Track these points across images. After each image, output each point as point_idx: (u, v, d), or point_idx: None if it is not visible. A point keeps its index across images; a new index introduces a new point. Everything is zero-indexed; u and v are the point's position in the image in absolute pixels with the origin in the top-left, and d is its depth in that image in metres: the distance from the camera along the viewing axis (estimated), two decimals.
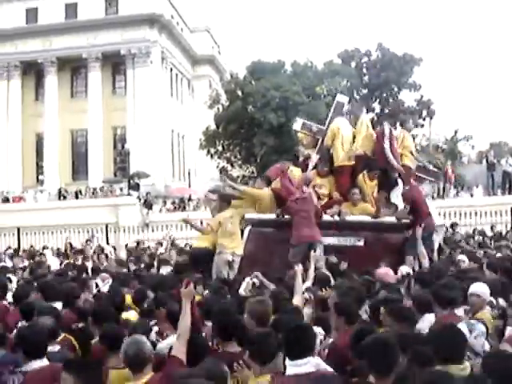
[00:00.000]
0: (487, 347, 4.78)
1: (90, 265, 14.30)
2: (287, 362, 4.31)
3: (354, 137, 11.61)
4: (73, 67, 51.11)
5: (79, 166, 50.11)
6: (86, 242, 25.05)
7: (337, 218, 10.73)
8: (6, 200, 42.54)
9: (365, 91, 47.28)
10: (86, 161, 48.95)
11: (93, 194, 41.51)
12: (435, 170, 13.44)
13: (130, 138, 46.90)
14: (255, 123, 40.35)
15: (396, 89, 47.25)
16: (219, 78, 60.37)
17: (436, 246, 11.18)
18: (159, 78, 49.13)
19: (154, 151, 46.58)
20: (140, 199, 35.01)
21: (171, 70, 52.88)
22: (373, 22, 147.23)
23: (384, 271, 8.46)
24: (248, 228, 10.87)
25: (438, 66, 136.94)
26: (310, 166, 11.73)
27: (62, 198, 41.22)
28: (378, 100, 47.76)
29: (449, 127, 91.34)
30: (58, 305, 7.12)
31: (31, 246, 24.04)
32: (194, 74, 58.63)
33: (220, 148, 42.88)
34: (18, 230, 27.15)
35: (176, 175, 52.61)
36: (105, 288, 9.37)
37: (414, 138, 13.00)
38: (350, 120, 11.87)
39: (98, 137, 47.94)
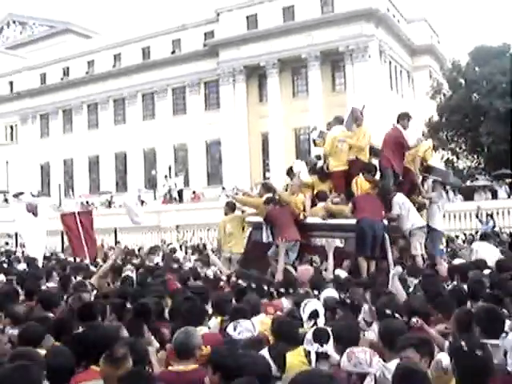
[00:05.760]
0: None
1: None
2: None
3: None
4: (293, 67, 52.57)
5: None
6: None
7: (320, 220, 11.24)
8: None
9: None
10: None
11: None
12: (443, 169, 13.10)
13: None
14: (481, 111, 38.76)
15: None
16: (439, 67, 58.62)
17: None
18: (378, 71, 48.83)
19: (375, 146, 46.23)
20: None
21: (390, 62, 52.27)
22: None
23: (305, 267, 9.68)
24: (249, 230, 12.29)
25: None
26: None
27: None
28: None
29: None
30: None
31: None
32: (413, 65, 57.39)
33: (444, 139, 41.68)
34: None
35: None
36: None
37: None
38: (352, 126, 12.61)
39: None
